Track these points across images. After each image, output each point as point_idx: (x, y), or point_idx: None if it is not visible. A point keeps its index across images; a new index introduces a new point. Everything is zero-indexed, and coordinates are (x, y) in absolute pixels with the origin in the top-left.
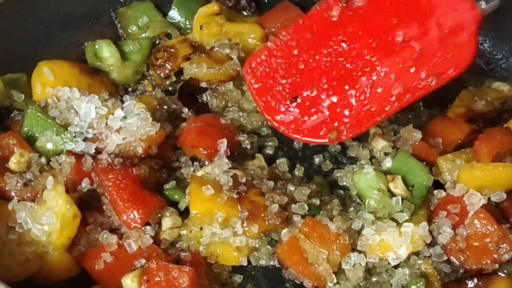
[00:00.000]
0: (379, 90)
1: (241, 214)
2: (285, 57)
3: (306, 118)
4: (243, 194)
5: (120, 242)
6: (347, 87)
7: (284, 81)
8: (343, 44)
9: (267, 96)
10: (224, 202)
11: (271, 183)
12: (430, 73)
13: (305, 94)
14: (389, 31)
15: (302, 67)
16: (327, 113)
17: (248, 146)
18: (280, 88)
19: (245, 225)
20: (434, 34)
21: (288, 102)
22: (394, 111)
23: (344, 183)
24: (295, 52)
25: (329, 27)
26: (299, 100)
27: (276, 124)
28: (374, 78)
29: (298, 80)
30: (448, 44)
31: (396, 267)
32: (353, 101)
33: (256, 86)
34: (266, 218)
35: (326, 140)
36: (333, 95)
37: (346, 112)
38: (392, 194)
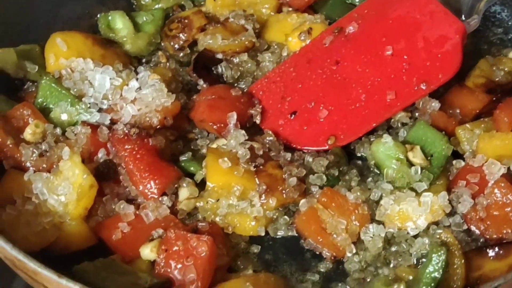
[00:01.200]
0: (374, 98)
1: (259, 188)
2: (283, 81)
3: (305, 128)
4: (260, 167)
5: (137, 213)
6: (342, 98)
7: (284, 100)
8: (337, 63)
9: (268, 113)
10: (242, 175)
11: (289, 155)
12: (420, 80)
13: (303, 107)
14: (379, 47)
15: (299, 86)
16: (324, 122)
17: (258, 120)
18: (280, 106)
19: (263, 198)
20: (421, 46)
21: (288, 116)
22: (390, 116)
23: (362, 153)
24: (293, 75)
25: (324, 52)
26: (297, 114)
27: (275, 136)
28: (368, 88)
29: (296, 97)
30: (435, 54)
31: (415, 236)
32: (348, 109)
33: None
34: (284, 191)
35: (326, 147)
36: (329, 106)
37: (343, 120)
38: (411, 164)
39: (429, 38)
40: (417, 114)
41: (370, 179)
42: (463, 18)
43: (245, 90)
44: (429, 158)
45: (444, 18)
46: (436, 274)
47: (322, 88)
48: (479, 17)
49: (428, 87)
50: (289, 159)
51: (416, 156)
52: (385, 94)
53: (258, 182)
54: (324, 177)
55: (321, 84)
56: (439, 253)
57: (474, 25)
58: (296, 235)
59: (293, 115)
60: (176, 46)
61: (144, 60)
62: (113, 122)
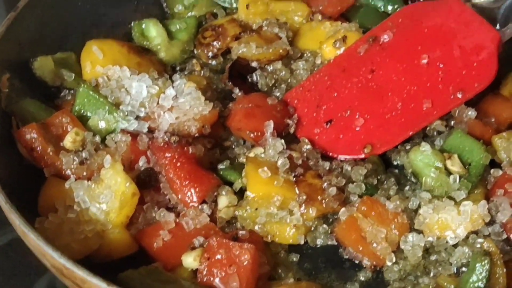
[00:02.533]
0: (410, 106)
1: (299, 198)
2: (318, 90)
3: (341, 137)
4: (300, 176)
5: (177, 220)
6: (378, 107)
7: (319, 108)
8: (373, 72)
9: (303, 121)
10: (282, 185)
11: (327, 164)
12: (456, 88)
13: (339, 116)
14: (414, 56)
15: (335, 95)
16: (361, 131)
17: (292, 130)
18: (315, 114)
19: (303, 208)
20: (457, 55)
21: (323, 125)
22: (426, 124)
23: (398, 162)
24: (328, 83)
25: (359, 61)
26: (333, 122)
27: (312, 145)
28: (404, 96)
29: (332, 106)
30: (471, 62)
31: (455, 246)
32: (385, 118)
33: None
34: (323, 200)
35: (362, 156)
36: (365, 114)
37: (379, 129)
38: (449, 173)
39: (465, 47)
40: (452, 122)
41: (407, 187)
42: (498, 27)
43: (280, 98)
44: (467, 166)
45: (479, 27)
46: (479, 284)
47: (357, 97)
48: None
49: (464, 96)
50: (327, 168)
51: (455, 165)
52: (422, 102)
53: (298, 192)
54: (363, 185)
55: (356, 93)
56: (483, 263)
57: (509, 34)
58: (335, 244)
59: (328, 124)
60: (210, 54)
61: (178, 68)
62: (150, 130)
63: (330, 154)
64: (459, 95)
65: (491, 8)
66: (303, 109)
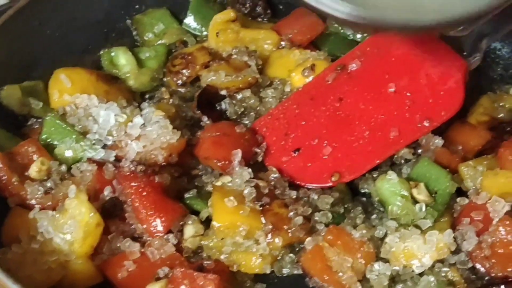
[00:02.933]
0: (377, 134)
1: (265, 227)
2: (287, 118)
3: (309, 165)
4: (266, 206)
5: (143, 250)
6: (346, 135)
7: (287, 136)
8: (341, 100)
9: (271, 149)
10: (247, 215)
11: (294, 193)
12: (423, 117)
13: (307, 144)
14: (381, 84)
15: (303, 123)
16: (328, 159)
17: (260, 159)
18: (283, 142)
19: (269, 237)
20: (424, 84)
21: (291, 153)
22: (393, 153)
23: (365, 190)
24: (297, 111)
25: (327, 89)
26: (301, 151)
27: (280, 173)
28: (371, 124)
29: (300, 134)
30: (438, 91)
31: (421, 274)
32: (352, 146)
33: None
34: (290, 230)
35: (330, 184)
36: (333, 143)
37: (347, 157)
38: (415, 201)
39: (432, 75)
40: (420, 151)
41: (374, 215)
42: (465, 55)
43: (248, 126)
44: (433, 195)
45: (446, 55)
46: None
47: (325, 125)
48: (480, 55)
49: (431, 124)
50: (294, 197)
51: (421, 193)
52: (389, 131)
53: (264, 222)
54: (329, 214)
55: (324, 121)
56: None
57: (475, 63)
58: (301, 273)
59: (296, 152)
60: (179, 82)
61: (147, 96)
62: (117, 159)
63: (298, 183)
64: (426, 124)
65: (458, 37)
66: (272, 137)
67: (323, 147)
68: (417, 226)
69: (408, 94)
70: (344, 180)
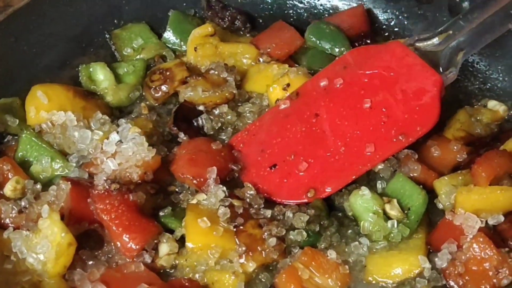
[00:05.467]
0: (353, 150)
1: (239, 249)
2: (263, 134)
3: (285, 181)
4: (240, 227)
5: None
6: (322, 151)
7: (263, 152)
8: (317, 116)
9: (248, 165)
10: (221, 235)
11: (269, 212)
12: (399, 132)
13: (283, 160)
14: (357, 100)
15: (279, 139)
16: (304, 175)
17: (236, 175)
18: (260, 158)
19: (242, 259)
20: (399, 99)
21: (268, 169)
22: (369, 168)
23: (341, 204)
24: (272, 127)
25: (303, 105)
26: (277, 167)
27: (256, 189)
28: (347, 140)
29: (276, 150)
30: (413, 106)
31: None
32: (328, 162)
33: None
34: (263, 251)
35: (305, 200)
36: (309, 158)
37: (323, 173)
38: (388, 218)
39: (407, 91)
40: (396, 166)
41: (350, 231)
42: (441, 70)
43: (226, 142)
44: (405, 211)
45: (421, 70)
46: None
47: (301, 141)
48: (456, 69)
49: (407, 139)
50: (269, 216)
51: (393, 209)
52: (364, 146)
53: (238, 243)
54: (304, 233)
55: (300, 137)
56: None
57: (451, 77)
58: None
59: (273, 168)
60: (157, 96)
61: (125, 111)
62: (92, 176)
63: (274, 199)
64: (402, 139)
65: (433, 52)
66: (248, 153)
67: (299, 163)
68: (389, 242)
69: (384, 109)
70: (320, 195)
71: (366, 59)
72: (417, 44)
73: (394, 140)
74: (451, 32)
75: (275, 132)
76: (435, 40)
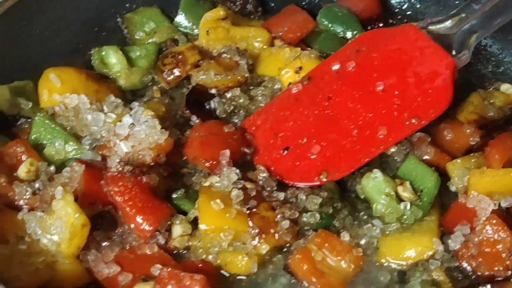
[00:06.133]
0: (365, 133)
1: (252, 231)
2: (275, 117)
3: (297, 164)
4: (253, 209)
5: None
6: (334, 134)
7: (276, 135)
8: (329, 99)
9: (261, 148)
10: (234, 218)
11: (282, 194)
12: (412, 115)
13: (295, 143)
14: (370, 83)
15: (291, 122)
16: (317, 158)
17: (249, 158)
18: (272, 141)
19: (255, 241)
20: (412, 82)
21: (280, 152)
22: (382, 151)
23: (353, 187)
24: (286, 111)
25: (316, 88)
26: (290, 150)
27: (268, 172)
28: (360, 123)
29: (289, 133)
30: (426, 89)
31: (406, 273)
32: (340, 145)
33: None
34: (277, 233)
35: (317, 183)
36: (322, 141)
37: (335, 156)
38: (400, 200)
39: (420, 74)
40: (408, 149)
41: (363, 213)
42: (454, 53)
43: (238, 125)
44: (419, 193)
45: (434, 53)
46: None
47: (314, 124)
48: (469, 52)
49: (420, 122)
50: (282, 198)
51: (406, 191)
52: (377, 129)
53: (251, 225)
54: (317, 215)
55: (313, 120)
56: None
57: (464, 60)
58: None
59: (285, 151)
60: (169, 79)
61: (138, 94)
62: (105, 158)
63: (287, 182)
64: (415, 122)
65: (446, 35)
66: (261, 136)
67: (311, 146)
68: (402, 224)
69: (397, 92)
70: (333, 178)
71: (378, 42)
72: (429, 27)
73: (407, 123)
74: (463, 15)
75: (287, 116)
76: (448, 23)
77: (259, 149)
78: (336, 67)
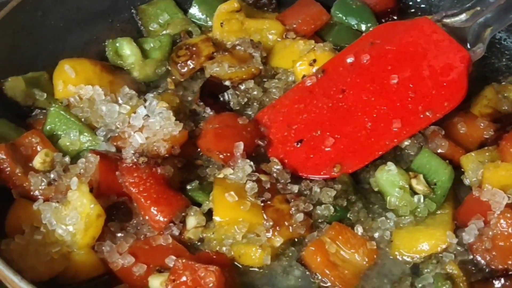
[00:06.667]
0: (379, 126)
1: (266, 224)
2: (289, 109)
3: (311, 156)
4: (268, 202)
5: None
6: (348, 126)
7: (290, 128)
8: (343, 92)
9: (274, 140)
10: (248, 210)
11: (296, 187)
12: (426, 108)
13: (309, 136)
14: (384, 76)
15: (305, 115)
16: (331, 151)
17: (262, 150)
18: (286, 134)
19: (269, 234)
20: (427, 75)
21: (294, 144)
22: (396, 144)
23: (367, 180)
24: (299, 103)
25: (330, 81)
26: (304, 142)
27: (282, 164)
28: (374, 116)
29: (302, 126)
30: (440, 82)
31: (419, 265)
32: (354, 138)
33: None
34: (291, 226)
35: (331, 176)
36: (335, 134)
37: (349, 148)
38: (414, 192)
39: (435, 67)
40: (422, 142)
41: (377, 206)
42: (468, 46)
43: (251, 117)
44: (432, 186)
45: (449, 46)
46: None
47: (328, 117)
48: (484, 45)
49: (434, 115)
50: (296, 191)
51: (420, 184)
52: (391, 122)
53: (265, 218)
54: (331, 208)
55: (327, 113)
56: (445, 287)
57: (479, 53)
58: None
59: (299, 143)
60: (183, 71)
61: (152, 85)
62: (120, 149)
63: (300, 174)
64: (429, 115)
65: (461, 28)
66: (274, 128)
67: (325, 138)
68: (416, 217)
69: (411, 85)
70: (346, 171)
71: (393, 35)
72: (444, 20)
73: (421, 116)
74: (478, 8)
75: (301, 108)
76: (463, 16)
77: (273, 141)
78: (350, 59)
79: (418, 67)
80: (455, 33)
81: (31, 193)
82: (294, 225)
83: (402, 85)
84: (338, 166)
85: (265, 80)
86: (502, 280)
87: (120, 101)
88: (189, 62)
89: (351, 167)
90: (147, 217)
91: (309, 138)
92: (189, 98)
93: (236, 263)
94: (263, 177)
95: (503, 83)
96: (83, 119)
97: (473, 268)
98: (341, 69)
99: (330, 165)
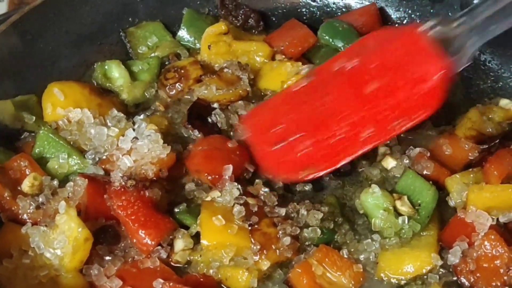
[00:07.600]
0: (354, 131)
1: (254, 247)
2: (271, 115)
3: (283, 160)
4: (255, 225)
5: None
6: (325, 131)
7: (269, 131)
8: (325, 96)
9: (255, 143)
10: (236, 233)
11: (283, 210)
12: (401, 115)
13: (285, 139)
14: (363, 83)
15: (286, 118)
16: (302, 155)
17: (250, 175)
18: (264, 136)
19: (257, 257)
20: (402, 84)
21: (270, 147)
22: (370, 149)
23: (352, 201)
24: (281, 109)
25: (315, 86)
26: (282, 144)
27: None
28: (350, 121)
29: (280, 130)
30: (416, 91)
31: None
32: (330, 141)
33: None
34: (278, 249)
35: (304, 178)
36: (312, 137)
37: (322, 152)
38: (399, 214)
39: (414, 75)
40: (406, 163)
41: (362, 227)
42: (450, 56)
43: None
44: (416, 207)
45: (428, 55)
46: None
47: (306, 121)
48: (465, 56)
49: (409, 123)
50: (283, 214)
51: (404, 205)
52: (367, 128)
53: (253, 241)
54: (318, 230)
55: (305, 117)
56: None
57: (460, 64)
58: None
59: (275, 146)
60: (172, 94)
61: (141, 107)
62: (108, 172)
63: (271, 177)
64: (404, 122)
65: (446, 38)
66: (255, 131)
67: (299, 142)
68: (400, 239)
69: (388, 93)
70: (319, 174)
71: (377, 43)
72: (430, 29)
73: (395, 123)
74: (464, 19)
75: (282, 112)
76: (450, 26)
77: (255, 143)
78: (337, 66)
79: (398, 74)
80: (439, 42)
81: (20, 216)
82: (281, 249)
83: (380, 92)
84: (309, 169)
85: (253, 101)
86: None
87: (109, 124)
88: (177, 85)
89: (323, 170)
90: (135, 240)
91: (285, 142)
92: (177, 120)
93: (223, 285)
94: (251, 201)
95: (488, 104)
96: (71, 142)
97: None
98: (327, 75)
99: (300, 169)
